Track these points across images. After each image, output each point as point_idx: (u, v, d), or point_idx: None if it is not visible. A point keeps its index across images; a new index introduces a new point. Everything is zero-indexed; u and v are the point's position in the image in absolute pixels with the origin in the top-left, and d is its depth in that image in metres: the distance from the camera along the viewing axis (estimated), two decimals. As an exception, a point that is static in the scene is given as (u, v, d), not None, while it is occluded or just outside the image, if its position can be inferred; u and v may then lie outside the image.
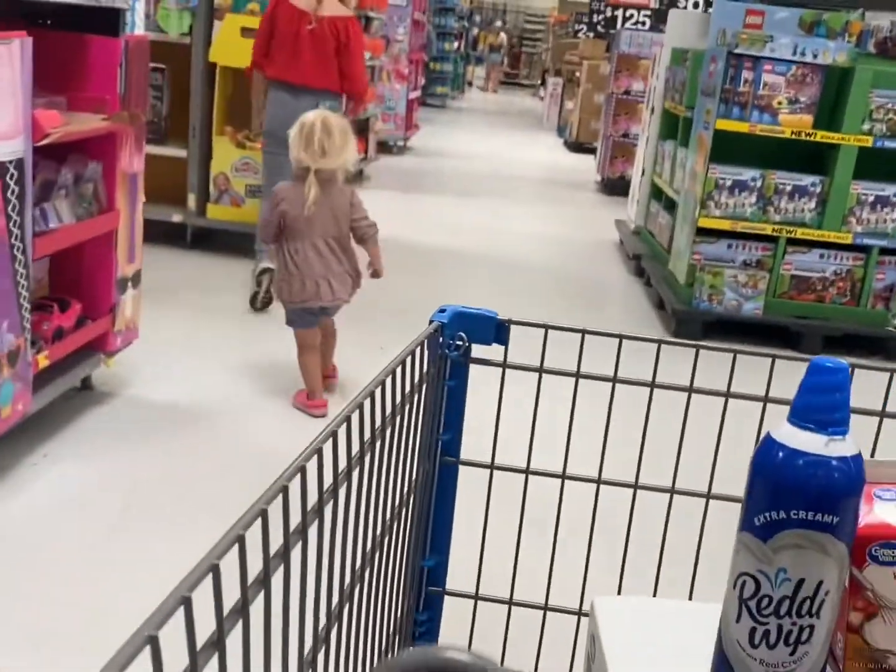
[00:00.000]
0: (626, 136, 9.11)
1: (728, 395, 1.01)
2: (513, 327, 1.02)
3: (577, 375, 1.02)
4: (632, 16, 14.07)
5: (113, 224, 2.89)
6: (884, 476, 0.76)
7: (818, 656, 0.71)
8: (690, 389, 1.01)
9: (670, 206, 5.71)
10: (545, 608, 1.10)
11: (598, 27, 15.55)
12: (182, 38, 4.93)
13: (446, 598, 1.10)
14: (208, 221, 5.20)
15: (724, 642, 0.73)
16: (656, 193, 6.21)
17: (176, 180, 5.29)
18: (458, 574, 1.11)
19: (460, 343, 1.00)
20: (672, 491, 1.05)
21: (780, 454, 0.68)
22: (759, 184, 4.59)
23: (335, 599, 0.73)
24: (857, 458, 0.68)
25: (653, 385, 1.02)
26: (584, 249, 6.71)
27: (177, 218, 5.18)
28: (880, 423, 0.98)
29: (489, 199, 8.22)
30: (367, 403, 0.74)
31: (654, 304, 5.21)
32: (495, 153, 11.98)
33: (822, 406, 0.67)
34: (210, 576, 0.49)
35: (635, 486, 1.06)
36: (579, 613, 1.08)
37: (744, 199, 4.60)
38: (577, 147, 12.70)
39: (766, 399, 1.00)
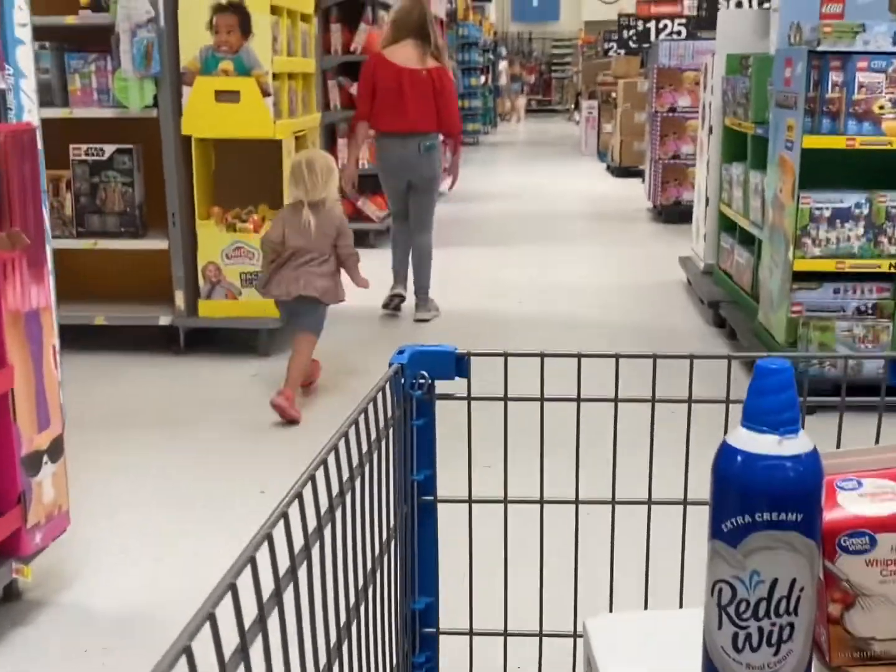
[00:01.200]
0: (676, 158, 8.19)
1: (690, 401, 1.03)
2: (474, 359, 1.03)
3: (542, 399, 1.04)
4: (665, 26, 13.21)
5: (5, 385, 2.07)
6: (843, 466, 0.79)
7: (802, 652, 0.72)
8: (653, 400, 1.03)
9: (747, 239, 4.77)
10: (540, 635, 1.11)
11: (630, 43, 14.70)
12: (147, 111, 4.17)
13: (442, 637, 1.10)
14: (201, 321, 4.41)
15: (709, 650, 0.74)
16: (727, 225, 5.28)
17: (160, 276, 4.52)
18: (452, 611, 1.10)
19: (423, 381, 1.01)
20: (649, 502, 1.07)
21: (738, 459, 0.69)
22: (865, 210, 3.65)
23: (322, 658, 0.73)
24: (813, 453, 0.69)
25: (616, 400, 1.03)
26: (647, 296, 5.79)
27: (164, 320, 4.39)
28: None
29: (533, 246, 7.34)
30: (331, 458, 0.75)
31: (745, 363, 4.27)
32: (535, 188, 11.13)
33: (771, 407, 0.69)
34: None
35: (613, 502, 1.07)
36: (575, 636, 1.05)
37: (848, 230, 3.66)
38: (622, 171, 11.79)
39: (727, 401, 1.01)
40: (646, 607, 1.06)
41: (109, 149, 4.29)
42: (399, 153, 5.09)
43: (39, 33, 4.39)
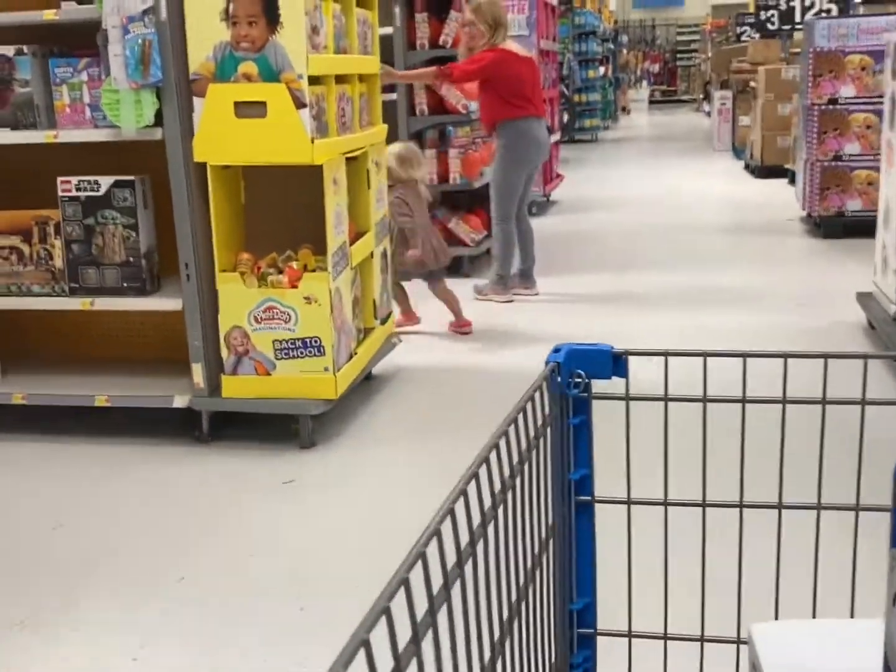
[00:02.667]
0: (838, 160, 6.75)
1: (864, 402, 1.03)
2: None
3: (704, 400, 1.01)
4: (813, 4, 11.61)
5: None
6: None
7: None
8: (823, 401, 1.03)
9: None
10: (702, 639, 1.09)
11: (768, 25, 13.10)
12: (149, 131, 3.16)
13: (599, 638, 1.09)
14: (225, 402, 3.37)
15: (891, 662, 0.70)
16: (930, 257, 3.93)
17: (174, 345, 3.52)
18: (610, 612, 1.09)
19: (579, 380, 1.00)
20: (819, 507, 1.03)
21: None
22: None
23: (486, 654, 0.74)
24: None
25: (784, 401, 1.02)
26: (817, 346, 4.46)
27: (180, 401, 3.38)
28: None
29: (660, 273, 6.06)
30: (493, 456, 0.75)
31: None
32: (663, 192, 9.78)
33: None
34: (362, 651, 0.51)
35: (779, 507, 1.04)
36: (738, 642, 1.05)
37: None
38: (764, 171, 10.30)
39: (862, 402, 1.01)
40: (814, 615, 1.03)
41: (106, 181, 3.30)
42: (542, 135, 5.30)
43: (15, 35, 3.47)
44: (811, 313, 4.92)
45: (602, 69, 18.21)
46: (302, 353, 3.28)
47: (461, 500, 0.66)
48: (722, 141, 13.49)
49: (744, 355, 0.99)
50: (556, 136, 9.23)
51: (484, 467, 0.72)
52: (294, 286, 3.25)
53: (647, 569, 1.12)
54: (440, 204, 6.29)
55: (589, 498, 1.03)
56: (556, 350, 1.01)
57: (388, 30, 5.82)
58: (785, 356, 0.97)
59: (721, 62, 15.85)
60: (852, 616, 1.00)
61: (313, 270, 3.29)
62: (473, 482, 0.69)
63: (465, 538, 0.67)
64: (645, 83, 29.77)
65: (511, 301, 5.42)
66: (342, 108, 3.49)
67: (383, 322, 3.98)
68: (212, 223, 3.23)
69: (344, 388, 3.38)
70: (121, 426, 3.59)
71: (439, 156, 5.96)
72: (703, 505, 1.03)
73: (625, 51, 25.88)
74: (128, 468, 3.26)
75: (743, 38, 16.49)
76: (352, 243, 3.53)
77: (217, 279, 3.27)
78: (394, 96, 5.89)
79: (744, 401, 1.00)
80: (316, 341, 3.27)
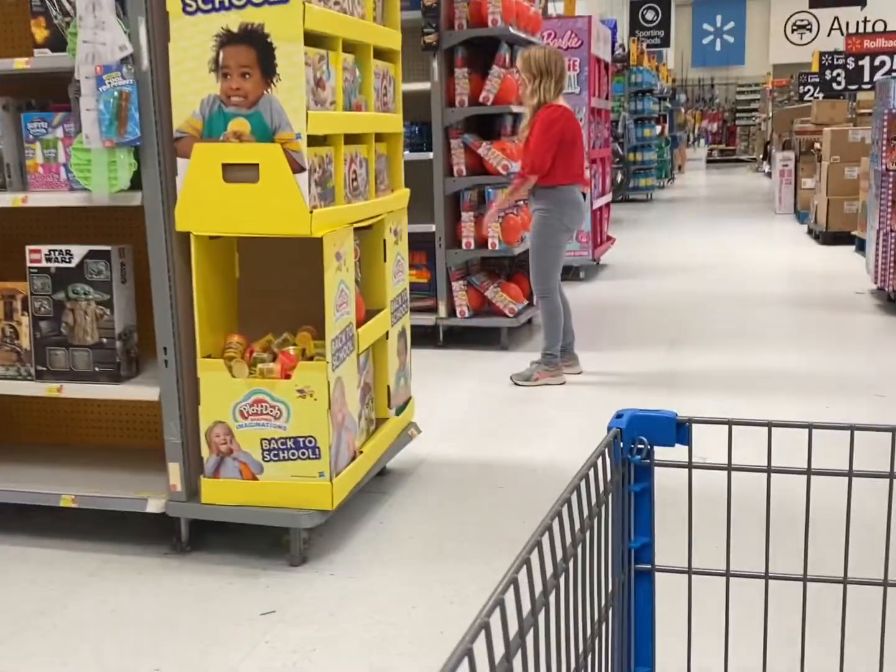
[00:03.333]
0: (916, 230, 6.18)
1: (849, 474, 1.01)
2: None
3: (769, 471, 1.01)
4: (883, 63, 11.08)
5: None
6: None
7: None
8: (892, 475, 1.01)
9: None
10: None
11: (834, 85, 12.59)
12: (128, 196, 2.75)
13: None
14: (205, 509, 2.90)
15: None
16: None
17: (154, 432, 3.08)
18: None
19: (641, 447, 0.99)
20: (885, 584, 1.01)
21: None
22: None
23: None
24: None
25: (850, 474, 1.00)
26: None
27: (154, 506, 2.93)
28: None
29: (714, 352, 5.50)
30: (555, 524, 0.76)
31: None
32: (718, 256, 9.24)
33: None
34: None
35: (844, 581, 1.01)
36: None
37: None
38: (830, 237, 9.72)
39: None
40: None
41: (80, 251, 2.89)
42: (581, 199, 4.90)
43: (-15, 86, 3.10)
44: (891, 409, 4.33)
45: (658, 128, 17.80)
46: (294, 454, 2.81)
47: (524, 569, 0.67)
48: (783, 203, 12.91)
49: (809, 426, 0.98)
50: (606, 198, 8.77)
51: (546, 535, 0.73)
52: (287, 376, 2.79)
53: (707, 639, 1.09)
54: (478, 271, 5.84)
55: (649, 566, 1.02)
56: (619, 416, 1.00)
57: (426, 85, 5.43)
58: (851, 428, 0.96)
59: (783, 122, 15.34)
60: None
61: (311, 358, 2.84)
62: (536, 550, 0.70)
63: (526, 607, 0.68)
64: (703, 142, 29.28)
65: (564, 382, 4.88)
66: (354, 172, 3.06)
67: (399, 411, 3.51)
68: (194, 300, 2.80)
69: (342, 496, 2.89)
70: (91, 525, 3.14)
71: (477, 219, 5.52)
72: (766, 577, 1.01)
73: (682, 109, 25.46)
74: (94, 580, 2.80)
75: (806, 97, 16.00)
76: (361, 324, 3.08)
77: (198, 366, 2.83)
78: (430, 156, 5.48)
79: (809, 472, 0.99)
80: (310, 441, 2.80)
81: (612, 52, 15.58)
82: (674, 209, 14.92)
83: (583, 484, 0.83)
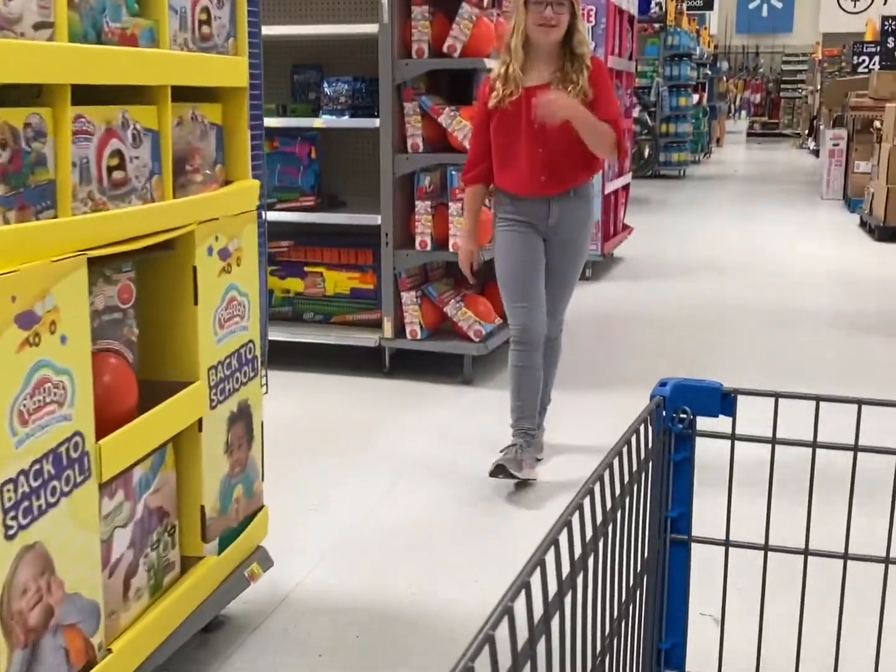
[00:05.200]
0: None
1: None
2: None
3: (814, 445, 0.99)
4: (961, 27, 9.48)
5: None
6: None
7: None
8: None
9: None
10: None
11: (897, 53, 11.04)
12: None
13: None
14: None
15: None
16: None
17: None
18: (699, 653, 1.06)
19: (684, 416, 0.98)
20: None
21: None
22: None
23: None
24: None
25: None
26: None
27: None
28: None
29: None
30: (596, 487, 0.76)
31: None
32: (754, 252, 7.80)
33: None
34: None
35: (886, 561, 1.00)
36: None
37: None
38: (887, 233, 8.25)
39: None
40: None
41: None
42: None
43: None
44: None
45: (696, 97, 16.21)
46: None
47: (564, 531, 0.67)
48: (832, 188, 11.39)
49: (859, 402, 0.97)
50: (623, 180, 7.34)
51: (587, 499, 0.73)
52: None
53: (742, 612, 1.09)
54: (438, 278, 4.48)
55: (685, 537, 1.01)
56: (663, 384, 0.98)
57: (372, 28, 4.05)
58: (858, 402, 0.94)
59: (834, 96, 13.73)
60: None
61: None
62: (577, 514, 0.70)
63: (566, 569, 0.66)
64: (744, 114, 27.51)
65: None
66: (118, 154, 1.72)
67: (228, 542, 2.18)
68: None
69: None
70: None
71: (437, 210, 4.17)
72: (806, 553, 1.00)
73: (724, 78, 23.72)
74: None
75: (860, 69, 14.38)
76: (120, 419, 1.75)
77: None
78: (375, 123, 4.11)
79: (856, 448, 0.98)
80: (-24, 661, 1.49)
81: (647, 9, 14.08)
82: (708, 189, 13.40)
83: (624, 450, 0.82)
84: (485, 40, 4.08)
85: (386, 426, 3.78)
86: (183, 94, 1.95)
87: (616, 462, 0.81)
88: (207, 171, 2.05)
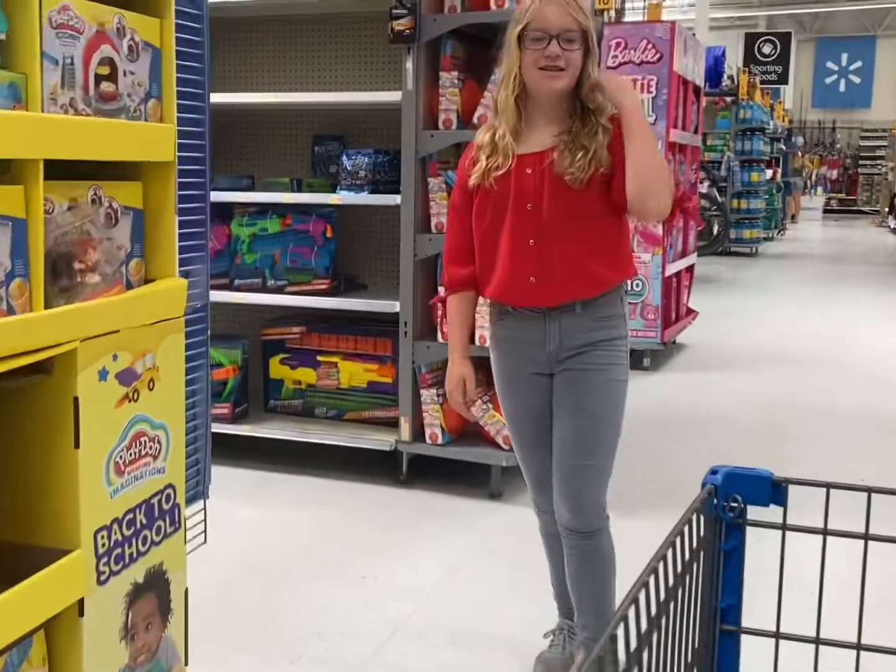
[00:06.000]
0: None
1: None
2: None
3: (866, 537, 0.98)
4: None
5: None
6: None
7: None
8: None
9: None
10: None
11: None
12: None
13: None
14: None
15: None
16: None
17: None
18: None
19: (735, 505, 0.98)
20: None
21: None
22: None
23: None
24: None
25: None
26: None
27: None
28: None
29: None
30: (651, 580, 0.76)
31: None
32: (833, 344, 7.11)
33: None
34: None
35: None
36: None
37: None
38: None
39: None
40: None
41: None
42: None
43: None
44: None
45: (769, 172, 15.62)
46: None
47: (621, 625, 0.67)
48: (918, 271, 10.62)
49: None
50: (687, 260, 6.77)
51: (643, 592, 0.72)
52: None
53: None
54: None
55: (735, 627, 1.00)
56: (714, 472, 0.98)
57: (394, 96, 3.62)
58: None
59: (918, 172, 12.98)
60: None
61: None
62: (633, 607, 0.70)
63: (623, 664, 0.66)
64: (820, 190, 26.71)
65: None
66: (-50, 252, 1.26)
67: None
68: None
69: None
70: None
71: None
72: (858, 648, 0.98)
73: (799, 153, 23.06)
74: None
75: (946, 145, 13.66)
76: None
77: None
78: (396, 200, 3.65)
79: None
80: None
81: (719, 83, 13.63)
82: (782, 267, 12.72)
83: (678, 541, 0.83)
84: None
85: (393, 553, 3.23)
86: (91, 169, 1.50)
87: (669, 553, 0.80)
88: (108, 270, 1.58)
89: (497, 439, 3.68)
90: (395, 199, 3.65)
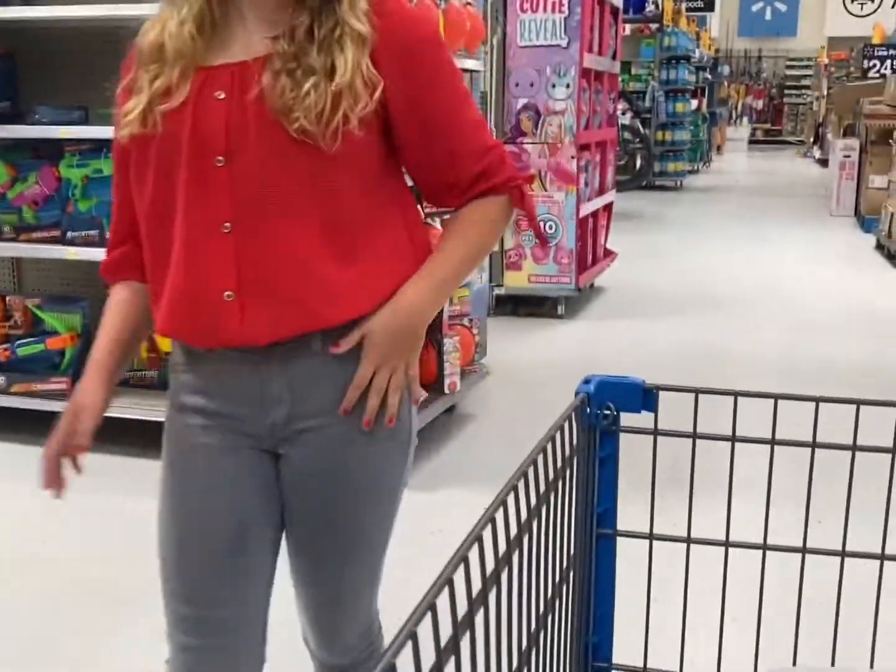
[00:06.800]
0: None
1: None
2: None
3: (733, 440, 1.02)
4: None
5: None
6: None
7: None
8: (854, 447, 1.01)
9: None
10: None
11: (916, 55, 10.02)
12: None
13: None
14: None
15: None
16: None
17: None
18: (626, 647, 1.09)
19: (608, 412, 1.00)
20: (843, 554, 1.04)
21: None
22: None
23: None
24: None
25: (813, 445, 1.01)
26: None
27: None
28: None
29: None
30: (521, 484, 0.77)
31: None
32: (758, 282, 6.75)
33: None
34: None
35: (803, 551, 1.04)
36: None
37: None
38: (908, 260, 7.22)
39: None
40: (833, 663, 1.06)
41: None
42: None
43: None
44: None
45: (694, 102, 15.20)
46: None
47: (489, 527, 0.68)
48: (842, 204, 10.35)
49: (775, 397, 1.00)
50: (605, 198, 6.29)
51: (511, 495, 0.74)
52: None
53: (666, 606, 1.12)
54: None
55: (611, 531, 1.04)
56: (587, 381, 1.00)
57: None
58: (817, 400, 0.99)
59: (845, 102, 12.69)
60: (872, 666, 1.02)
61: None
62: (501, 509, 0.72)
63: (490, 566, 0.68)
64: (746, 120, 26.48)
65: None
66: None
67: None
68: None
69: None
70: None
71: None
72: (727, 545, 1.03)
73: (725, 83, 22.69)
74: None
75: (871, 73, 13.37)
76: None
77: None
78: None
79: (773, 442, 1.01)
80: None
81: (642, 7, 13.06)
82: (707, 202, 12.36)
83: (549, 446, 0.84)
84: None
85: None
86: None
87: (541, 459, 0.82)
88: None
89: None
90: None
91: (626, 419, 1.01)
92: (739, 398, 1.01)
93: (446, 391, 3.51)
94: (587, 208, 5.70)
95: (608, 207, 6.45)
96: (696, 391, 1.00)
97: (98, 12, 3.34)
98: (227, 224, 1.20)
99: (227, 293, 1.20)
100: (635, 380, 1.02)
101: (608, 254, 6.52)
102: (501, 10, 5.28)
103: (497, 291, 5.61)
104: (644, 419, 1.02)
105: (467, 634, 0.64)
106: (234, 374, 1.26)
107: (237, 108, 1.19)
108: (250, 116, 1.18)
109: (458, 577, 0.62)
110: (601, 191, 6.17)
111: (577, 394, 0.98)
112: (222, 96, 1.19)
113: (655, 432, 1.01)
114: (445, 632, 0.60)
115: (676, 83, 13.45)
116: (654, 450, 1.00)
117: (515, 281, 5.58)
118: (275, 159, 1.18)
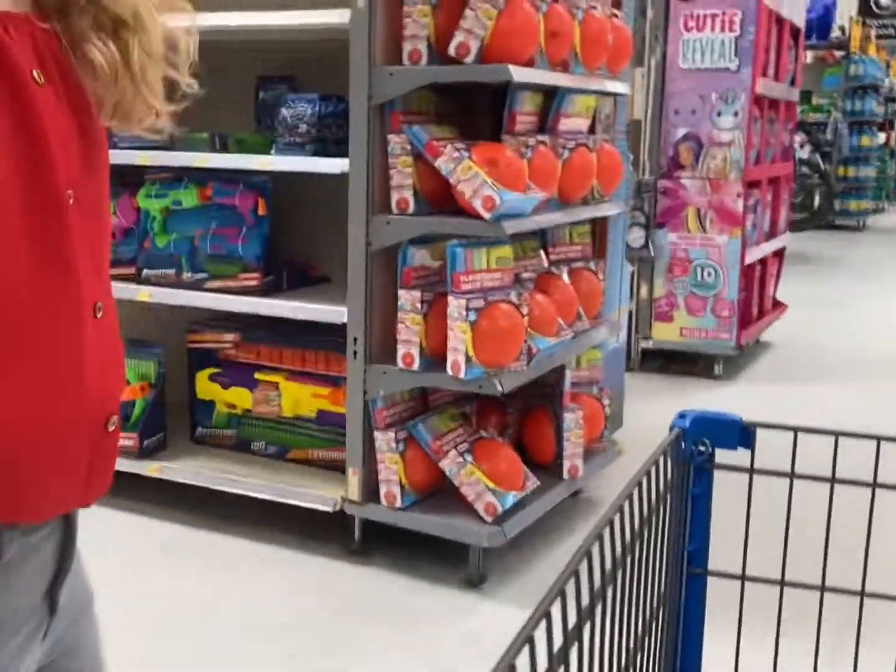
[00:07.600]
0: None
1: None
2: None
3: (833, 481, 0.98)
4: None
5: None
6: None
7: None
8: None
9: None
10: None
11: None
12: None
13: None
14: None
15: None
16: None
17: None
18: None
19: (703, 449, 0.98)
20: None
21: None
22: None
23: None
24: None
25: None
26: None
27: None
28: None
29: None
30: (616, 518, 0.76)
31: None
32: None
33: None
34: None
35: None
36: None
37: None
38: None
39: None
40: None
41: None
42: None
43: None
44: None
45: (882, 136, 13.94)
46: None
47: (584, 561, 0.67)
48: None
49: (878, 438, 0.96)
50: (776, 243, 5.51)
51: (607, 529, 0.73)
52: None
53: (756, 650, 1.06)
54: (440, 409, 2.88)
55: (702, 570, 1.01)
56: (682, 416, 0.98)
57: (341, 17, 2.55)
58: (877, 438, 0.95)
59: None
60: None
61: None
62: (597, 543, 0.71)
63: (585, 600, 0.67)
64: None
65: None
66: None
67: None
68: None
69: None
70: None
71: (432, 307, 2.59)
72: (822, 589, 0.99)
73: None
74: None
75: None
76: None
77: None
78: (342, 165, 2.59)
79: (874, 485, 0.97)
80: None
81: (827, 33, 12.04)
82: (893, 244, 11.18)
83: (644, 481, 0.82)
84: (519, 35, 2.50)
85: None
86: None
87: (636, 493, 0.80)
88: None
89: (477, 506, 2.61)
90: (340, 165, 2.59)
91: (721, 455, 0.99)
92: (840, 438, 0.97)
93: (565, 476, 2.92)
94: (754, 254, 4.96)
95: (779, 253, 5.66)
96: (795, 429, 0.98)
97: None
98: (98, 299, 0.85)
99: (111, 420, 0.86)
100: (733, 416, 1.01)
101: (777, 305, 5.72)
102: (662, 29, 4.66)
103: (643, 345, 4.95)
104: (739, 456, 0.99)
105: (562, 668, 0.63)
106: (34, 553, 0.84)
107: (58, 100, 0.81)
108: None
109: (555, 611, 0.61)
110: (772, 234, 5.41)
111: (671, 428, 0.97)
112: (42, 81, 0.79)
113: (752, 470, 0.99)
114: (542, 664, 0.59)
115: (863, 114, 12.34)
116: (750, 488, 0.98)
117: (664, 334, 4.91)
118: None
